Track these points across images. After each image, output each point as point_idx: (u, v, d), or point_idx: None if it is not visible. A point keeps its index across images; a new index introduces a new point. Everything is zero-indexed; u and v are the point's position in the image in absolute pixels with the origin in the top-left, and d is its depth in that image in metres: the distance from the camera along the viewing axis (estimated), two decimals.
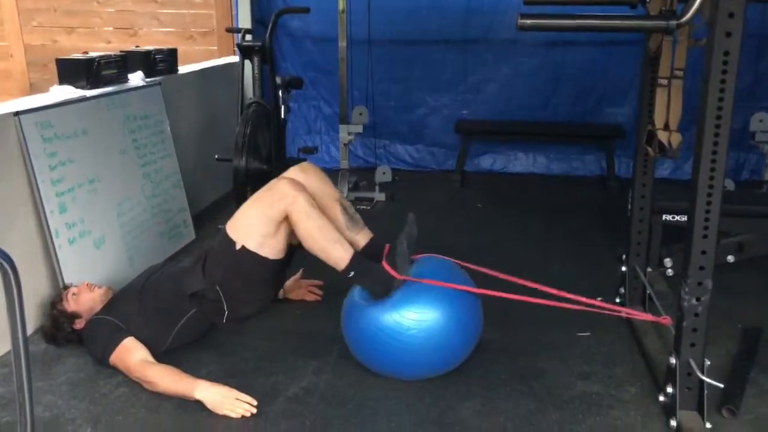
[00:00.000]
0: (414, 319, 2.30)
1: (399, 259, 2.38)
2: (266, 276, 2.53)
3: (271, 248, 2.44)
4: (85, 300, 2.64)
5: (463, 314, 2.40)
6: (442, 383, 2.41)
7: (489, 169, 5.44)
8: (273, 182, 2.50)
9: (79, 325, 2.61)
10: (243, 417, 2.21)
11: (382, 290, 2.36)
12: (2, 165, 2.66)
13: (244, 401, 2.25)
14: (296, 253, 2.60)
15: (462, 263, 2.57)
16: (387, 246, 2.49)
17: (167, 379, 2.32)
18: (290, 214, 2.38)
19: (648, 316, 2.42)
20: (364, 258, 2.45)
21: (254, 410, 2.23)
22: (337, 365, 2.55)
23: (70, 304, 2.62)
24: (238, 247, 2.43)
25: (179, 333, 2.56)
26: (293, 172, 2.61)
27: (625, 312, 2.51)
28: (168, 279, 2.63)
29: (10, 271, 1.13)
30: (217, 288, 2.49)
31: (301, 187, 2.43)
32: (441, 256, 2.56)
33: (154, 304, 2.56)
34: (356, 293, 2.48)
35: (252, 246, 2.43)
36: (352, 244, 2.47)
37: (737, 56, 1.83)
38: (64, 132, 2.94)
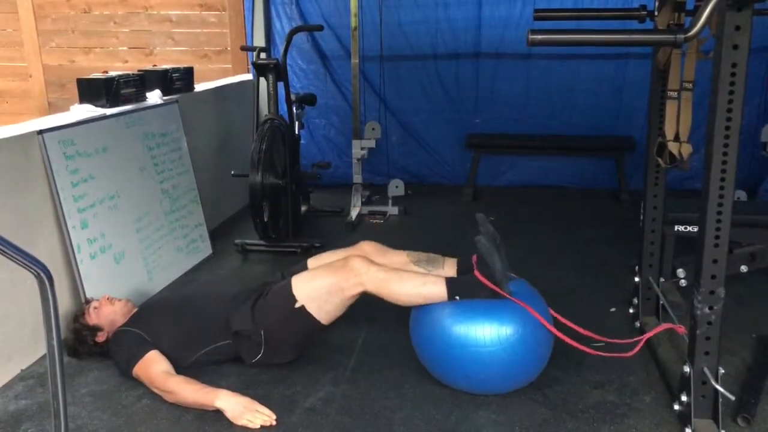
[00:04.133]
0: (495, 335, 2.31)
1: (486, 257, 2.39)
2: (310, 335, 2.62)
3: (327, 315, 2.52)
4: (106, 313, 2.69)
5: (540, 340, 2.41)
6: (457, 392, 2.43)
7: (501, 182, 5.48)
8: (347, 258, 2.53)
9: (101, 338, 2.66)
10: (262, 427, 2.25)
11: (491, 294, 2.38)
12: (27, 182, 2.73)
13: (264, 414, 2.29)
14: None
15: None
16: (474, 256, 2.51)
17: (189, 389, 2.36)
18: (367, 287, 2.45)
19: (660, 328, 2.43)
20: (456, 278, 2.50)
21: (273, 422, 2.27)
22: (353, 375, 2.58)
23: (92, 318, 2.68)
24: (298, 305, 2.50)
25: (205, 355, 2.60)
26: (357, 251, 2.71)
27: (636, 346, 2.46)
28: (213, 304, 2.65)
29: (47, 281, 1.18)
30: (262, 333, 2.54)
31: (370, 261, 2.51)
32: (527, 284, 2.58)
33: (191, 323, 2.60)
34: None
35: (311, 308, 2.50)
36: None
37: (745, 68, 1.87)
38: (85, 149, 3.02)
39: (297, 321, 2.51)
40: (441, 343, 2.39)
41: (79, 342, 2.67)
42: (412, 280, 2.47)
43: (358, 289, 2.46)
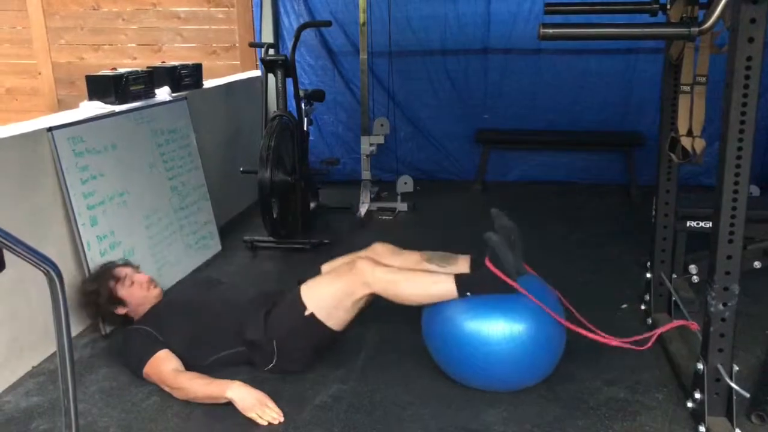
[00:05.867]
0: (504, 330, 2.30)
1: (497, 250, 2.37)
2: (322, 344, 2.59)
3: (338, 321, 2.51)
4: (139, 296, 2.70)
5: (551, 336, 2.41)
6: (468, 389, 2.42)
7: (510, 177, 5.45)
8: (354, 260, 2.53)
9: (120, 311, 2.69)
10: (270, 423, 2.24)
11: (503, 289, 2.36)
12: (36, 179, 2.73)
13: (273, 411, 2.28)
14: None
15: None
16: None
17: (199, 383, 2.36)
18: (374, 288, 2.44)
19: (673, 324, 2.41)
20: (466, 275, 2.48)
21: (282, 419, 2.27)
22: (363, 373, 2.58)
23: (124, 290, 2.69)
24: (307, 312, 2.49)
25: (218, 360, 2.57)
26: (369, 252, 2.71)
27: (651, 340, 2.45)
28: (230, 310, 2.62)
29: (56, 278, 1.18)
30: (274, 342, 2.52)
31: (376, 262, 2.50)
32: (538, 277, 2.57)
33: (208, 328, 2.57)
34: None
35: (321, 315, 2.49)
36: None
37: (760, 62, 1.85)
38: (94, 146, 3.02)
39: (308, 329, 2.50)
40: (454, 341, 2.38)
41: (97, 304, 2.71)
42: (421, 280, 2.46)
43: (365, 291, 2.44)
